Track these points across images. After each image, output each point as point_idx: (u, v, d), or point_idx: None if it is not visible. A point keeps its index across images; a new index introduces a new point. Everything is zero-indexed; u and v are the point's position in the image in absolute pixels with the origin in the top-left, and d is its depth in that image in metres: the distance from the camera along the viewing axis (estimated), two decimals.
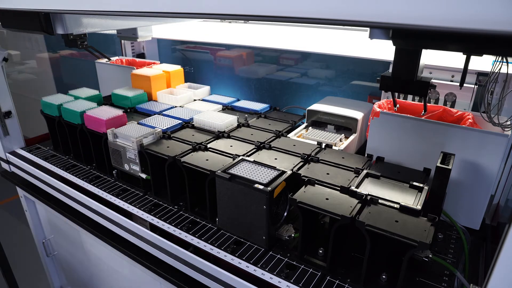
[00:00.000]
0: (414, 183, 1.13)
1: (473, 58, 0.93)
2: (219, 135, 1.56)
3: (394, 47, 0.93)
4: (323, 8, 0.58)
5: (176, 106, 1.91)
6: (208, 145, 1.45)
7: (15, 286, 2.29)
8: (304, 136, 1.65)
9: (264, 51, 2.35)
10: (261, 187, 1.11)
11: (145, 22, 2.00)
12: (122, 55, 2.71)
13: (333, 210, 1.00)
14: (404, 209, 1.01)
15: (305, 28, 2.02)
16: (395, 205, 1.03)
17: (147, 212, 1.39)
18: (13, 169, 1.92)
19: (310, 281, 1.05)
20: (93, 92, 1.96)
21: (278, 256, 1.15)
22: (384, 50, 1.64)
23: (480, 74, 1.48)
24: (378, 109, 1.37)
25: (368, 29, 0.88)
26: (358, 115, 1.67)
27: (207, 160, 1.34)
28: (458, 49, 0.81)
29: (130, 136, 1.46)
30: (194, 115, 1.72)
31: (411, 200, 1.06)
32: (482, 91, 1.20)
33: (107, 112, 1.60)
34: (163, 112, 1.81)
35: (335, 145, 1.54)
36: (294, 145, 1.47)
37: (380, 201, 1.05)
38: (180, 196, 1.45)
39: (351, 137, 1.64)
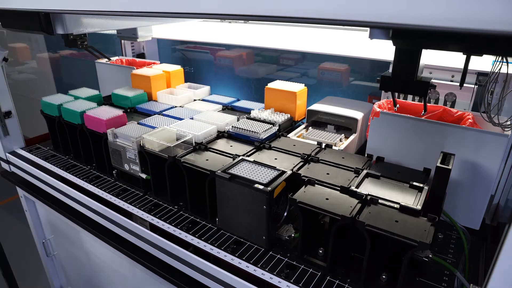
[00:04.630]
0: (414, 183, 1.13)
1: (473, 58, 0.93)
2: (219, 135, 1.56)
3: (394, 47, 0.93)
4: (323, 8, 0.58)
5: (176, 106, 1.91)
6: (208, 145, 1.45)
7: (15, 286, 2.29)
8: (304, 136, 1.65)
9: (264, 51, 2.35)
10: (261, 187, 1.11)
11: (145, 22, 2.00)
12: (122, 55, 2.71)
13: (333, 210, 1.00)
14: (404, 209, 1.01)
15: (305, 28, 2.02)
16: (395, 205, 1.03)
17: (147, 212, 1.39)
18: (13, 169, 1.92)
19: (310, 281, 1.05)
20: (93, 92, 1.96)
21: (278, 256, 1.15)
22: (384, 50, 1.64)
23: (480, 74, 1.48)
24: (378, 109, 1.37)
25: (368, 29, 0.88)
26: (358, 115, 1.67)
27: (207, 160, 1.34)
28: (458, 49, 0.81)
29: (130, 136, 1.46)
30: (194, 115, 1.72)
31: (411, 200, 1.06)
32: (482, 91, 1.20)
33: (107, 112, 1.60)
34: (163, 112, 1.81)
35: (335, 145, 1.54)
36: (294, 145, 1.47)
37: (380, 201, 1.05)
38: (180, 196, 1.45)
39: (351, 137, 1.64)
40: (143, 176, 1.48)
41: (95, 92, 1.97)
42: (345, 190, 1.11)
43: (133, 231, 1.38)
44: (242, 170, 1.22)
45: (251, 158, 1.31)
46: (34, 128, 2.28)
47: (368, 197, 1.06)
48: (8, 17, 1.31)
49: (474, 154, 1.21)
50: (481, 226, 1.30)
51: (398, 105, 1.38)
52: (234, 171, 1.21)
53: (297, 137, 1.65)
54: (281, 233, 1.20)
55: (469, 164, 1.23)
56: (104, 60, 2.41)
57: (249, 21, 2.19)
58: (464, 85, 0.99)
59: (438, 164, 1.08)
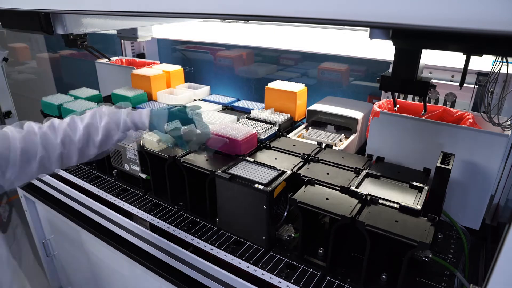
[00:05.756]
0: (414, 183, 1.13)
1: (473, 58, 0.93)
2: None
3: (394, 47, 0.93)
4: (323, 8, 0.58)
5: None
6: None
7: None
8: (304, 136, 1.65)
9: (264, 51, 2.34)
10: (261, 187, 1.11)
11: (145, 22, 2.00)
12: (122, 55, 2.71)
13: (333, 210, 1.00)
14: (404, 209, 1.01)
15: (305, 28, 2.02)
16: (395, 205, 1.03)
17: (147, 212, 1.39)
18: None
19: (310, 281, 1.05)
20: (93, 92, 1.96)
21: (278, 256, 1.15)
22: (384, 50, 1.64)
23: (480, 74, 1.47)
24: (378, 109, 1.37)
25: (368, 29, 0.87)
26: (358, 115, 1.67)
27: (207, 160, 1.34)
28: (458, 49, 0.81)
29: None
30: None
31: (411, 200, 1.06)
32: (482, 91, 1.20)
33: None
34: None
35: (335, 145, 1.54)
36: (294, 145, 1.47)
37: (380, 201, 1.05)
38: (180, 196, 1.45)
39: (351, 137, 1.64)
40: (143, 176, 1.48)
41: (95, 92, 1.97)
42: (345, 190, 1.10)
43: (133, 231, 1.38)
44: (242, 170, 1.22)
45: (251, 158, 1.31)
46: None
47: (368, 197, 1.06)
48: (8, 17, 1.31)
49: (474, 154, 1.21)
50: (481, 226, 1.30)
51: (398, 105, 1.38)
52: (234, 171, 1.21)
53: (297, 137, 1.65)
54: (281, 233, 1.20)
55: (469, 164, 1.23)
56: (104, 60, 2.41)
57: (249, 21, 2.19)
58: (464, 85, 0.99)
59: (438, 164, 1.08)
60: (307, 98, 1.83)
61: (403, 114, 1.36)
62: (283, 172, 1.21)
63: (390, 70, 1.03)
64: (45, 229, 2.10)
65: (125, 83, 2.13)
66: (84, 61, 3.35)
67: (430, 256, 0.98)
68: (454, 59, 1.49)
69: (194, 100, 2.04)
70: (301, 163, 1.31)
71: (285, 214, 1.24)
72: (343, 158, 1.35)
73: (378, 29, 0.87)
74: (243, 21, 2.21)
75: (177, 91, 2.04)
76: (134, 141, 1.43)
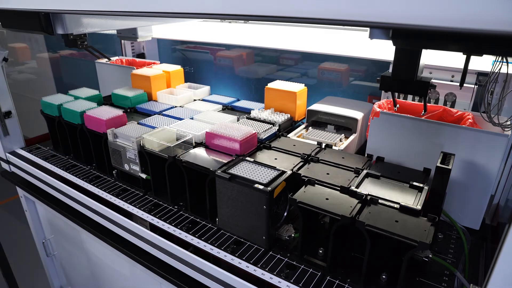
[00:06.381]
0: (414, 183, 1.13)
1: (473, 58, 0.93)
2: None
3: (394, 47, 0.93)
4: (323, 8, 0.58)
5: (176, 106, 1.91)
6: None
7: (15, 286, 2.29)
8: (304, 136, 1.65)
9: (264, 51, 2.35)
10: (261, 187, 1.11)
11: (145, 22, 2.00)
12: (122, 55, 2.71)
13: (333, 210, 1.00)
14: (404, 209, 1.01)
15: (305, 28, 2.02)
16: (395, 205, 1.03)
17: (147, 212, 1.39)
18: (13, 169, 1.92)
19: (310, 281, 1.05)
20: (93, 92, 1.96)
21: (278, 256, 1.15)
22: (384, 50, 1.64)
23: (480, 74, 1.48)
24: (378, 109, 1.37)
25: (368, 29, 0.88)
26: (358, 115, 1.67)
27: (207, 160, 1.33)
28: (458, 49, 0.81)
29: (130, 136, 1.46)
30: (194, 115, 1.72)
31: (411, 200, 1.06)
32: (482, 91, 1.20)
33: (107, 112, 1.60)
34: (163, 112, 1.81)
35: (335, 145, 1.54)
36: (294, 145, 1.47)
37: (380, 201, 1.05)
38: (180, 196, 1.45)
39: (351, 137, 1.64)
40: (143, 176, 1.48)
41: (95, 92, 1.96)
42: (345, 190, 1.11)
43: (133, 231, 1.38)
44: (242, 170, 1.22)
45: (251, 158, 1.31)
46: (34, 128, 2.28)
47: (368, 197, 1.06)
48: (8, 17, 1.31)
49: (474, 154, 1.21)
50: (481, 226, 1.30)
51: (398, 105, 1.38)
52: (234, 171, 1.21)
53: (297, 137, 1.65)
54: (281, 233, 1.20)
55: (469, 164, 1.23)
56: (104, 60, 2.41)
57: (249, 21, 2.19)
58: (464, 85, 0.99)
59: (438, 164, 1.08)
60: (307, 98, 1.83)
61: (403, 114, 1.36)
62: (283, 172, 1.21)
63: (390, 70, 1.03)
64: (45, 229, 2.10)
65: (125, 83, 2.13)
66: (84, 61, 3.35)
67: (430, 256, 0.98)
68: (454, 59, 1.49)
69: (194, 100, 2.04)
70: (301, 163, 1.31)
71: (285, 214, 1.24)
72: (343, 158, 1.35)
73: (378, 29, 0.87)
74: (243, 21, 2.21)
75: (177, 91, 2.04)
76: (134, 141, 1.43)
